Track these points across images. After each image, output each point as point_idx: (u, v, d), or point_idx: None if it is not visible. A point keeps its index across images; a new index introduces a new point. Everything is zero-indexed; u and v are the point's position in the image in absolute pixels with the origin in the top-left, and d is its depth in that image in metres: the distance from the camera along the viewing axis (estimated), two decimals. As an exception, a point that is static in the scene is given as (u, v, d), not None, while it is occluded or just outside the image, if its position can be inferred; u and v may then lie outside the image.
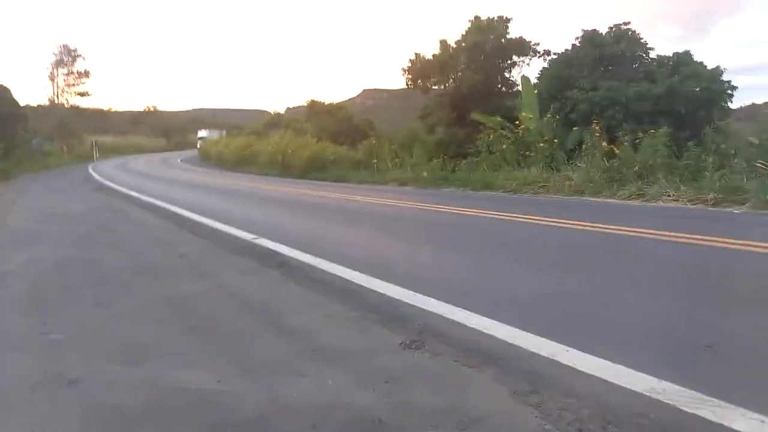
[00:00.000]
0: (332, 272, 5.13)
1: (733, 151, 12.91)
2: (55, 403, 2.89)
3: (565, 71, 18.71)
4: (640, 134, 13.55)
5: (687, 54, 18.72)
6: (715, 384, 2.58)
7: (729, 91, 17.78)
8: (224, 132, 72.81)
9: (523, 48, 24.27)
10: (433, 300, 4.06)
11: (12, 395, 3.03)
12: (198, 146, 65.79)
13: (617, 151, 13.27)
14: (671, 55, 18.98)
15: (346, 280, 4.84)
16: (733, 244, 5.72)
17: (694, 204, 9.70)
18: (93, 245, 7.38)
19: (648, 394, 2.50)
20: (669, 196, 10.56)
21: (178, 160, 43.11)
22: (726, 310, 3.81)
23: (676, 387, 2.53)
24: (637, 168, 12.47)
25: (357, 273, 4.98)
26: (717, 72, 17.78)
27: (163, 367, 3.26)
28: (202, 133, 72.16)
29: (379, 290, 4.44)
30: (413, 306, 4.01)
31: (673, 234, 6.31)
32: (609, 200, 10.82)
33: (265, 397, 2.79)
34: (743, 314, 3.71)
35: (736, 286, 4.39)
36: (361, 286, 4.62)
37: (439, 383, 2.82)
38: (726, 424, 2.22)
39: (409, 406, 2.60)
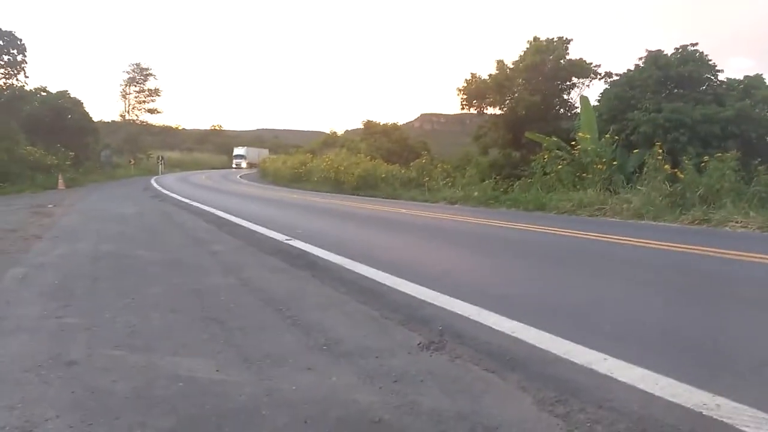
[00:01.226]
0: (359, 272, 4.89)
1: (808, 177, 11.96)
2: (47, 383, 2.74)
3: (627, 92, 17.96)
4: (705, 158, 12.77)
5: (759, 78, 17.68)
6: None
7: (805, 117, 16.63)
8: (266, 150, 70.50)
9: (583, 70, 23.54)
10: (459, 302, 3.75)
11: (7, 372, 2.90)
12: (234, 165, 63.97)
13: (680, 175, 12.54)
14: (742, 78, 17.98)
15: (373, 280, 4.59)
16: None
17: (765, 231, 8.99)
18: (131, 242, 7.42)
19: (699, 410, 2.10)
20: (737, 222, 9.85)
21: (238, 176, 44.16)
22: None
23: (733, 404, 2.12)
24: (701, 192, 11.74)
25: (384, 274, 4.72)
26: (792, 97, 16.68)
27: (164, 355, 3.07)
28: (239, 150, 68.74)
29: (404, 290, 4.17)
30: (438, 307, 3.70)
31: (737, 253, 5.76)
32: (670, 225, 10.14)
33: (262, 389, 2.55)
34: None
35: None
36: (386, 286, 4.36)
37: (455, 387, 2.49)
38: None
39: (416, 409, 2.29)
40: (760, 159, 14.67)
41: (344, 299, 4.10)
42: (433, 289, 4.12)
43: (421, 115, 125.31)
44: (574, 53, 23.89)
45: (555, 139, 17.47)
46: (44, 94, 33.61)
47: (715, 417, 2.03)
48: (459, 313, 3.54)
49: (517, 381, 2.50)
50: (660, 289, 4.48)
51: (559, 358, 2.70)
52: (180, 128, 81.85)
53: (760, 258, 5.70)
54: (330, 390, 2.51)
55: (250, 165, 64.76)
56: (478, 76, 25.22)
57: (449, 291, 4.03)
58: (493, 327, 3.21)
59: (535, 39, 24.05)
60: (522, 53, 23.90)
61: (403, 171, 23.93)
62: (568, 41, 23.97)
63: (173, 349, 3.18)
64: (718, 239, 7.80)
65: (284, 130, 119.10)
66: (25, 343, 3.36)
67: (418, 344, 3.03)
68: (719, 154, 12.72)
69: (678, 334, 3.21)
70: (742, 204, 10.94)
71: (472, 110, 26.06)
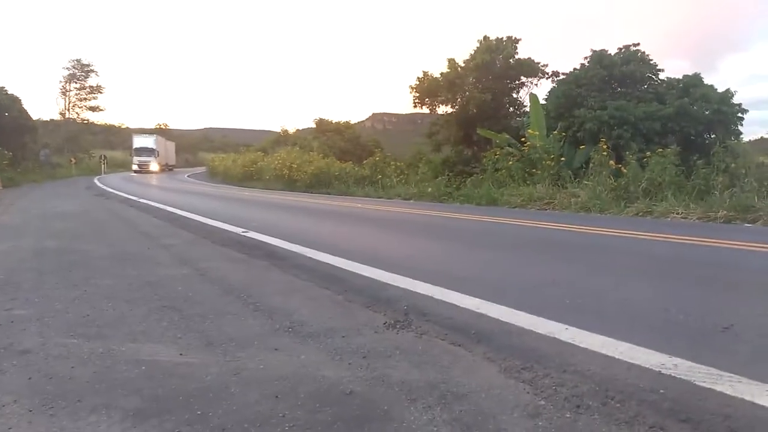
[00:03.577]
0: (318, 259, 4.90)
1: (743, 171, 12.63)
2: (1, 371, 2.64)
3: (573, 90, 18.52)
4: (648, 153, 13.31)
5: (697, 77, 18.52)
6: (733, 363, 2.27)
7: (739, 114, 17.52)
8: (173, 144, 54.73)
9: (532, 69, 24.12)
10: (421, 283, 3.80)
11: (-45, 363, 2.75)
12: (136, 165, 45.08)
13: (624, 170, 13.04)
14: (681, 77, 18.81)
15: (334, 266, 4.59)
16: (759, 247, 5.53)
17: (705, 221, 9.44)
18: (77, 238, 7.15)
19: (657, 369, 2.20)
20: (678, 213, 10.31)
21: (185, 176, 43.10)
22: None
23: (690, 363, 2.24)
24: (644, 186, 12.24)
25: (343, 260, 4.74)
26: (727, 95, 17.55)
27: (123, 342, 2.98)
28: (142, 141, 47.16)
29: (366, 275, 4.19)
30: (401, 288, 3.74)
31: (679, 237, 6.05)
32: (616, 216, 10.53)
33: (229, 369, 2.52)
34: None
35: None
36: (348, 271, 4.38)
37: (423, 360, 2.53)
38: (747, 398, 1.92)
39: (386, 381, 2.31)
40: (698, 154, 15.39)
41: (306, 285, 4.08)
42: (395, 273, 4.15)
43: (373, 114, 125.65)
44: (522, 53, 24.48)
45: (506, 136, 17.84)
46: (-22, 91, 32.00)
47: (673, 375, 2.14)
48: (422, 293, 3.58)
49: (483, 352, 2.55)
50: (611, 268, 4.66)
51: (523, 330, 2.78)
52: (124, 127, 79.05)
53: (702, 241, 5.99)
54: (299, 367, 2.50)
55: (164, 167, 48.28)
56: (430, 74, 25.49)
57: (411, 274, 4.08)
58: (457, 304, 3.27)
59: (485, 38, 24.47)
60: (472, 52, 24.33)
61: (356, 169, 23.95)
62: (517, 41, 24.49)
63: (131, 336, 3.10)
64: (660, 227, 8.13)
65: (233, 129, 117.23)
66: (-28, 335, 3.21)
67: (384, 323, 3.05)
68: (660, 150, 13.26)
69: (632, 307, 3.34)
70: (682, 197, 11.46)
71: (425, 108, 26.29)
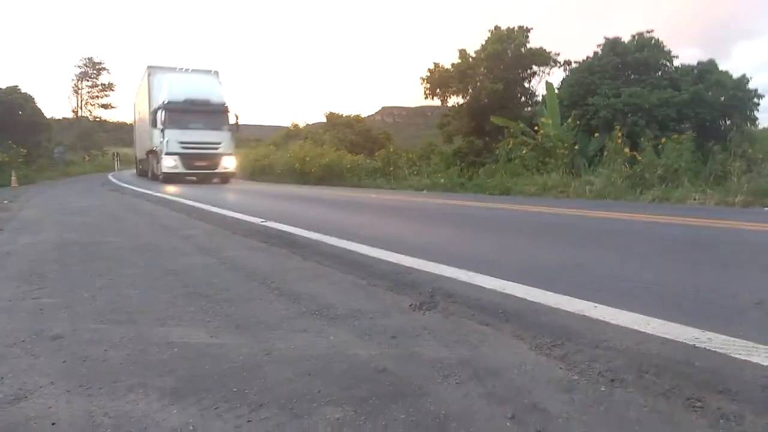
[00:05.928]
0: (341, 246, 4.90)
1: (760, 156, 12.53)
2: (35, 356, 2.67)
3: (586, 78, 18.39)
4: (663, 140, 13.22)
5: (712, 62, 18.32)
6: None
7: (755, 100, 17.32)
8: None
9: (544, 58, 23.92)
10: (445, 266, 3.81)
11: (-11, 348, 2.80)
12: (167, 159, 22.35)
13: (639, 157, 12.97)
14: (695, 63, 18.61)
15: (356, 252, 4.60)
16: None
17: (722, 207, 9.39)
18: (97, 231, 7.22)
19: (692, 343, 2.20)
20: (695, 199, 10.26)
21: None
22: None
23: (724, 336, 2.23)
24: (660, 172, 12.17)
25: (364, 246, 4.75)
26: (743, 80, 17.34)
27: (153, 326, 3.02)
28: (182, 82, 23.02)
29: (388, 260, 4.20)
30: (425, 272, 3.74)
31: (697, 219, 6.00)
32: (633, 203, 10.47)
33: (260, 349, 2.54)
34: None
35: None
36: (370, 257, 4.38)
37: (452, 339, 2.54)
38: (785, 369, 1.91)
39: (416, 359, 2.32)
40: (714, 140, 15.28)
41: (329, 271, 4.10)
42: (418, 258, 4.16)
43: (383, 107, 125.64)
44: (534, 42, 24.32)
45: (520, 124, 17.78)
46: (-7, 89, 32.35)
47: (708, 348, 2.14)
48: (447, 275, 3.59)
49: (512, 331, 2.56)
50: (634, 251, 4.64)
51: (551, 309, 2.78)
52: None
53: (722, 224, 5.95)
54: (329, 347, 2.52)
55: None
56: (441, 65, 25.40)
57: (433, 259, 4.09)
58: (483, 285, 3.28)
59: (496, 28, 24.34)
60: (483, 42, 24.19)
61: (368, 161, 23.98)
62: (528, 30, 24.31)
63: (160, 321, 3.13)
64: (678, 212, 8.08)
65: (243, 124, 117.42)
66: (3, 322, 3.25)
67: (410, 305, 3.07)
68: (676, 136, 13.17)
69: (659, 287, 3.33)
70: (699, 182, 11.40)
71: (436, 100, 26.22)
